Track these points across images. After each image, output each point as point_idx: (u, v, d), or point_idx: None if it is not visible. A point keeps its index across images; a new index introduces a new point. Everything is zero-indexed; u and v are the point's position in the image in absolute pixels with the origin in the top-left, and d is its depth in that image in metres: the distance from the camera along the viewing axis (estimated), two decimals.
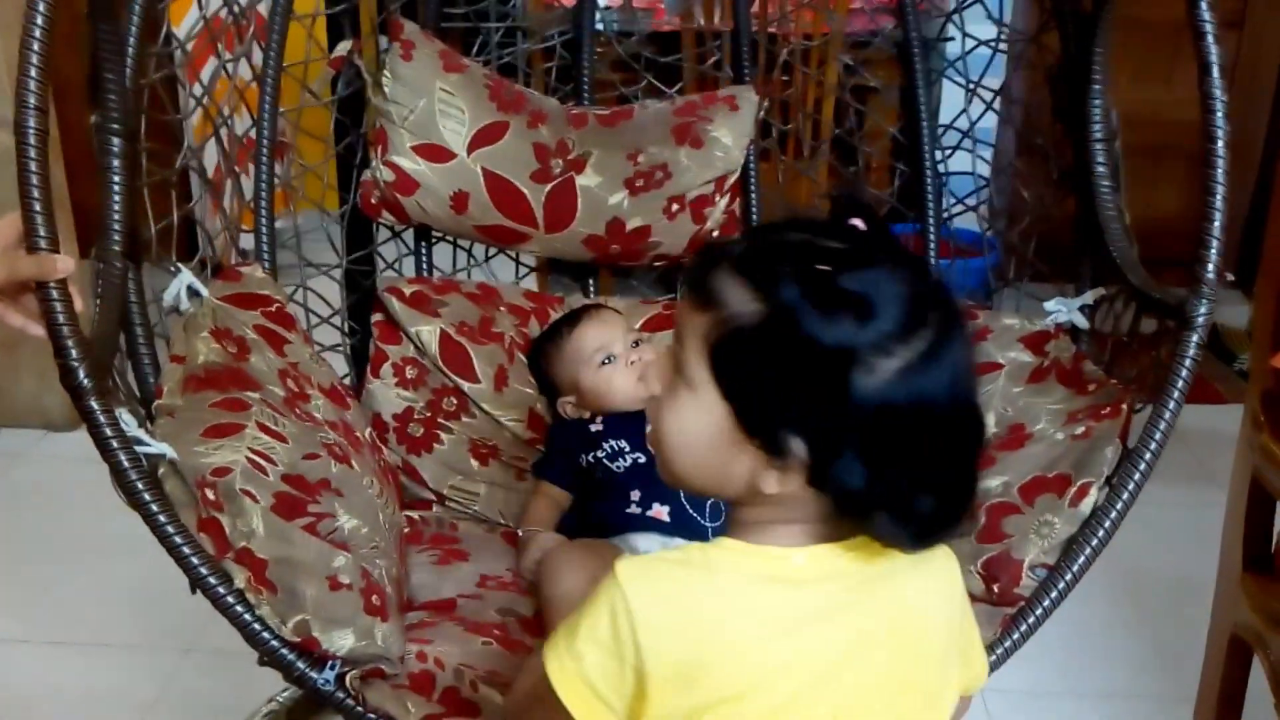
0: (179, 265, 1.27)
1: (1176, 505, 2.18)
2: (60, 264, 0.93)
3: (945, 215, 1.61)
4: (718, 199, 1.62)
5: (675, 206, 1.59)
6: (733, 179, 1.63)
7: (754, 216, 1.71)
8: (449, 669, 1.05)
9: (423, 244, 1.63)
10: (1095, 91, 1.37)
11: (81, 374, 0.94)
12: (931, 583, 0.78)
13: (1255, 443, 1.31)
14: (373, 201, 1.54)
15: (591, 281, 1.69)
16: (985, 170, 1.56)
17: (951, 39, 1.61)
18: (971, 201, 1.59)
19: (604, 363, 1.41)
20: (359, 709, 0.97)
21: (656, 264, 1.68)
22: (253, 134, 1.44)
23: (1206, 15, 1.09)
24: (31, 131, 0.93)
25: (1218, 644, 1.46)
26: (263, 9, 1.43)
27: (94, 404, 0.94)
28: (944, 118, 1.61)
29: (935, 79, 1.61)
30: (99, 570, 2.03)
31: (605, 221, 1.57)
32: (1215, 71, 1.09)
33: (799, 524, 0.74)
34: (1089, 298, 1.36)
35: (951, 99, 1.65)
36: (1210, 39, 1.09)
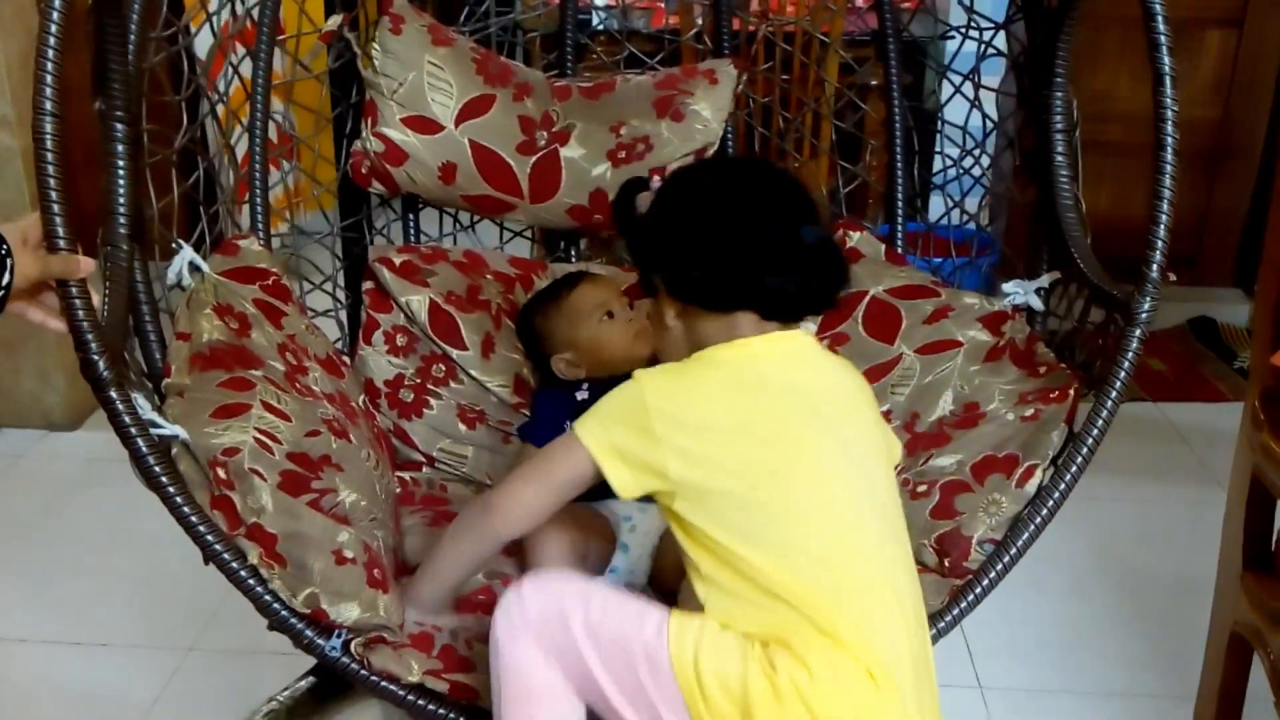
0: (180, 242, 1.33)
1: (1176, 503, 2.22)
2: (83, 264, 0.99)
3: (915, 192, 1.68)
4: None
5: (656, 178, 1.64)
6: (711, 150, 1.69)
7: None
8: (445, 629, 1.14)
9: (410, 214, 1.68)
10: (1058, 84, 1.43)
11: (101, 366, 1.00)
12: (847, 371, 1.11)
13: (1255, 441, 1.30)
14: (363, 171, 1.59)
15: (578, 247, 1.76)
16: (954, 151, 1.63)
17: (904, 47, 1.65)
18: (940, 181, 1.65)
19: (603, 319, 1.48)
20: (364, 673, 1.06)
21: None
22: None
23: (1162, 28, 1.16)
24: (48, 136, 0.99)
25: (1218, 642, 1.44)
26: None
27: (113, 394, 1.01)
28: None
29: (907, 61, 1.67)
30: (99, 570, 2.02)
31: (588, 192, 1.63)
32: (1168, 83, 1.16)
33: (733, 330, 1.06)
34: (1045, 281, 1.44)
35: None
36: (1165, 50, 1.15)
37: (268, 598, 1.04)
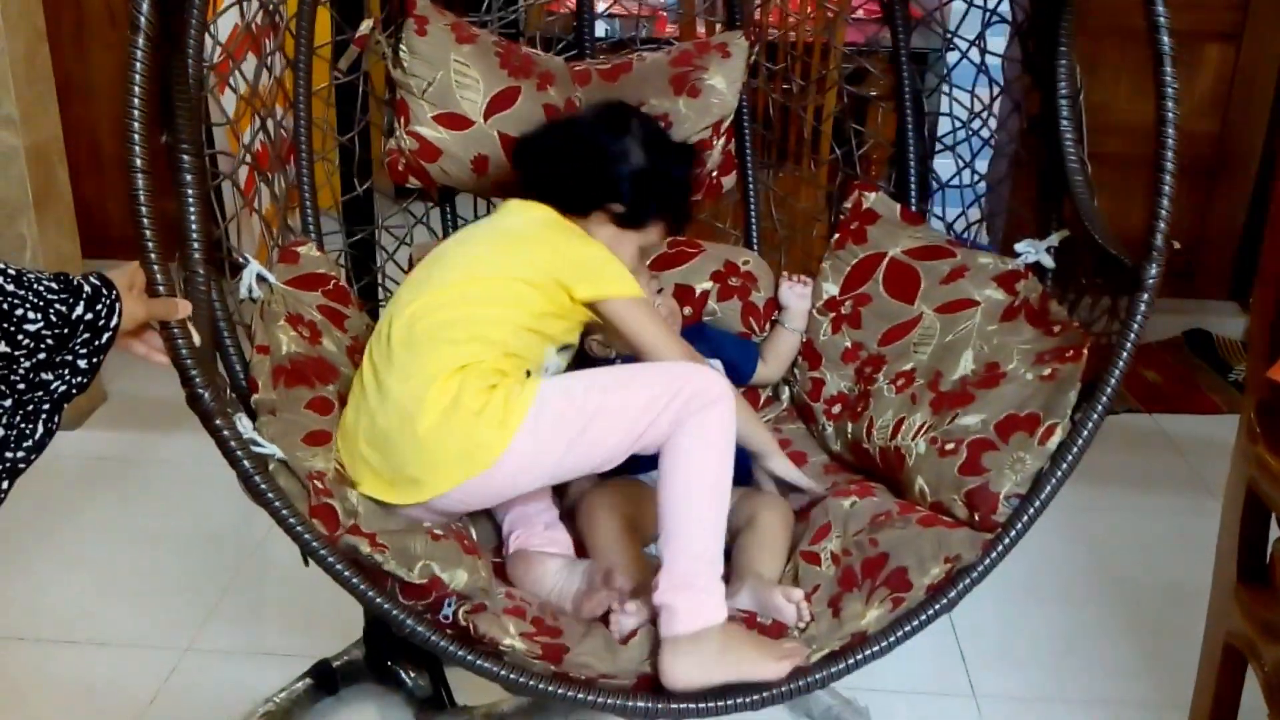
0: (246, 256, 1.42)
1: (1171, 514, 2.26)
2: (181, 306, 1.09)
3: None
4: (715, 142, 1.76)
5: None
6: (728, 122, 1.76)
7: (747, 155, 1.85)
8: (534, 604, 1.26)
9: (446, 204, 1.76)
10: (1062, 51, 1.50)
11: (208, 398, 1.10)
12: None
13: (1250, 454, 1.32)
14: (399, 169, 1.67)
15: None
16: (962, 115, 1.70)
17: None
18: (949, 141, 1.73)
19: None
20: (461, 651, 1.17)
21: None
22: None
23: (1161, 10, 1.23)
24: (142, 192, 1.07)
25: (1211, 653, 1.45)
26: None
27: (220, 423, 1.11)
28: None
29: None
30: (98, 568, 2.04)
31: None
32: (1168, 64, 1.23)
33: None
34: (1054, 239, 1.53)
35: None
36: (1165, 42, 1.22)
37: (371, 593, 1.15)
